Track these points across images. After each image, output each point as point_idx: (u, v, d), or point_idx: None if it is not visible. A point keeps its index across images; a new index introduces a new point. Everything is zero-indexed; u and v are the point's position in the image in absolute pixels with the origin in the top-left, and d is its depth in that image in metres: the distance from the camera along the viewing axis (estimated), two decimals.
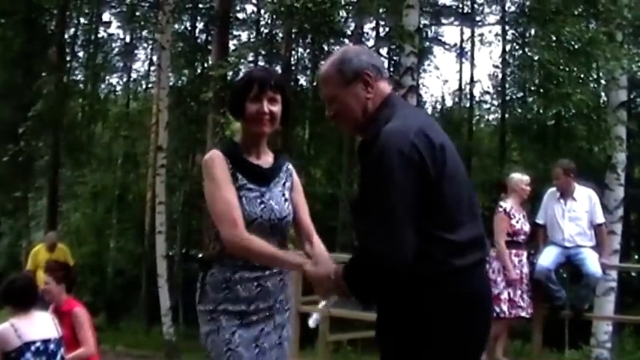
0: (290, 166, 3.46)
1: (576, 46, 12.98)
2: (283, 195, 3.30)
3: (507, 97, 24.77)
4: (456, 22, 26.42)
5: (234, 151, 3.27)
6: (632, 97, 18.98)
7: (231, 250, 3.09)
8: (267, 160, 3.33)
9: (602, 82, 13.70)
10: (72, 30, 25.31)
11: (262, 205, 3.19)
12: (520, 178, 8.16)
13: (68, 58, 24.47)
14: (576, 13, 14.24)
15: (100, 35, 27.45)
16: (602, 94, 14.35)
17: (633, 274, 20.56)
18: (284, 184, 3.35)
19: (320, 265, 2.91)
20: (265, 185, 3.25)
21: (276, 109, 3.23)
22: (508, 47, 23.98)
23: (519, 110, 22.98)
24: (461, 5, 26.10)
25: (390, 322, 2.61)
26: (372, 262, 2.46)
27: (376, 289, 2.56)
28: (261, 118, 3.19)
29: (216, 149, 3.28)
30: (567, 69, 13.38)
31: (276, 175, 3.32)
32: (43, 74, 20.96)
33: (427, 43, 24.53)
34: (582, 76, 13.70)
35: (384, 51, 22.98)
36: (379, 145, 2.49)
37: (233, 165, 3.19)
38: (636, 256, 22.71)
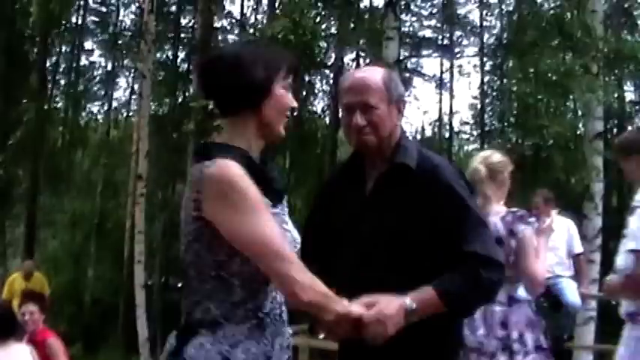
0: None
1: (553, 78, 13.17)
2: (290, 218, 2.45)
3: (486, 128, 24.99)
4: (436, 54, 26.81)
5: (252, 163, 2.28)
6: (608, 127, 19.22)
7: (300, 303, 2.22)
8: (274, 174, 2.46)
9: (579, 113, 13.90)
10: (54, 57, 25.34)
11: (287, 233, 2.34)
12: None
13: (49, 86, 24.46)
14: (553, 45, 14.49)
15: (81, 63, 27.53)
16: (580, 124, 14.54)
17: (613, 302, 20.60)
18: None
19: (382, 302, 2.43)
20: (281, 202, 2.38)
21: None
22: (486, 78, 24.26)
23: (498, 141, 23.18)
24: (440, 37, 26.49)
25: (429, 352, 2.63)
26: (499, 269, 2.58)
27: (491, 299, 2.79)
28: (287, 115, 2.36)
29: (227, 158, 2.20)
30: (544, 100, 13.57)
31: (284, 193, 2.48)
32: (24, 101, 20.91)
33: (407, 74, 24.77)
34: (559, 107, 13.89)
35: None
36: (448, 172, 2.66)
37: (257, 182, 2.22)
38: None
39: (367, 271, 2.64)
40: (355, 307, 2.34)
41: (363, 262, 2.66)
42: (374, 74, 2.76)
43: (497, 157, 4.77)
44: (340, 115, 2.90)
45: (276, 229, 2.20)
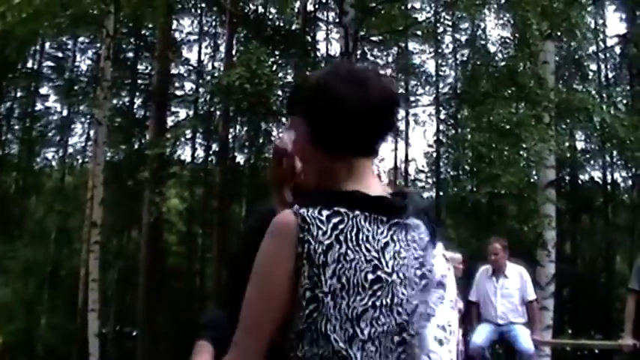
0: None
1: (506, 127, 13.40)
2: None
3: (442, 176, 25.28)
4: None
5: None
6: (560, 176, 19.58)
7: None
8: None
9: (532, 161, 14.13)
10: (8, 102, 25.11)
11: None
12: (452, 256, 8.27)
13: (4, 130, 24.20)
14: (506, 95, 14.79)
15: (36, 108, 27.25)
16: (532, 173, 14.78)
17: (567, 349, 20.80)
18: None
19: None
20: None
21: None
22: (441, 127, 24.61)
23: (454, 189, 23.44)
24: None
25: None
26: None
27: None
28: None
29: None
30: (498, 149, 13.79)
31: None
32: None
33: None
34: (512, 156, 14.12)
35: None
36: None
37: None
38: (570, 331, 23.00)
39: None
40: None
41: None
42: None
43: None
44: None
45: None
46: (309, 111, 1.86)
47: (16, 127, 26.98)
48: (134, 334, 22.43)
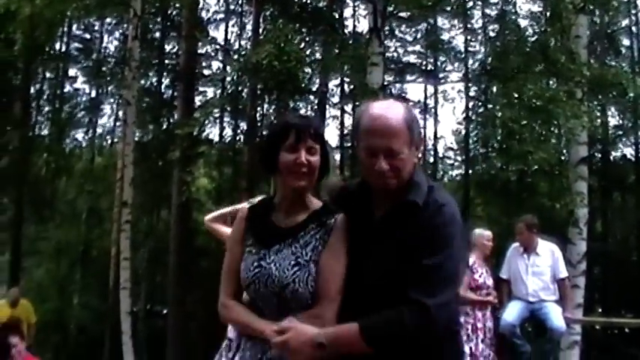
0: (335, 221, 2.81)
1: (537, 104, 13.23)
2: (297, 259, 2.73)
3: (470, 153, 25.10)
4: (420, 80, 26.90)
5: (261, 207, 2.94)
6: (592, 153, 19.34)
7: (222, 320, 2.89)
8: (296, 218, 2.83)
9: (563, 138, 13.96)
10: (37, 85, 25.30)
11: (257, 270, 2.76)
12: (481, 233, 8.25)
13: (33, 113, 24.40)
14: (537, 71, 14.58)
15: (65, 90, 27.45)
16: (564, 150, 14.61)
17: (597, 327, 20.67)
18: (305, 245, 2.76)
19: (292, 331, 2.53)
20: (271, 246, 2.79)
21: (315, 159, 2.77)
22: (471, 104, 24.41)
23: (483, 166, 23.27)
24: (424, 63, 26.60)
25: None
26: (428, 322, 2.47)
27: (409, 347, 2.54)
28: (297, 170, 2.74)
29: (249, 204, 3.11)
30: (528, 126, 13.63)
31: (291, 236, 2.79)
32: (8, 129, 20.82)
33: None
34: (543, 133, 13.96)
35: (348, 108, 23.27)
36: (448, 214, 2.61)
37: (250, 224, 2.89)
38: (600, 310, 22.86)
39: (366, 307, 2.56)
40: (270, 329, 2.60)
41: (367, 295, 2.61)
42: (397, 115, 2.68)
43: None
44: (359, 153, 2.77)
45: (228, 261, 2.86)
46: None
47: (46, 108, 27.19)
48: (164, 312, 22.65)
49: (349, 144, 23.12)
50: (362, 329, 2.47)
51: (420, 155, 2.80)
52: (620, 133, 24.70)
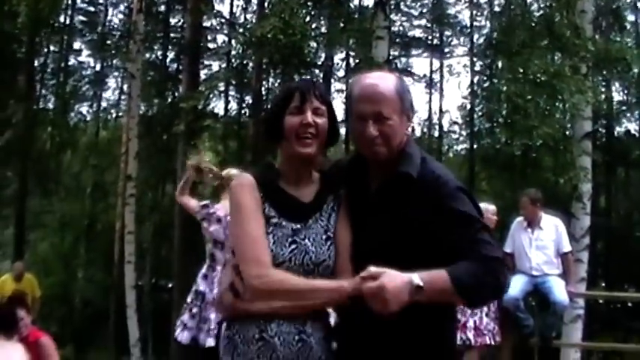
0: (341, 193, 2.75)
1: (542, 79, 13.21)
2: (326, 233, 2.64)
3: (475, 128, 25.06)
4: (425, 54, 26.85)
5: (268, 176, 2.69)
6: (596, 128, 19.33)
7: (259, 296, 2.52)
8: (309, 191, 2.70)
9: (568, 113, 13.95)
10: (42, 58, 25.25)
11: (293, 246, 2.57)
12: (486, 207, 8.24)
13: (38, 86, 24.38)
14: (542, 46, 14.54)
15: (70, 63, 27.40)
16: (568, 125, 14.61)
17: (600, 301, 20.78)
18: (329, 218, 2.68)
19: (386, 275, 2.37)
20: (302, 222, 2.63)
21: (323, 121, 2.63)
22: (476, 79, 24.34)
23: (487, 141, 23.25)
24: (430, 37, 26.54)
25: (420, 352, 2.61)
26: (501, 266, 2.53)
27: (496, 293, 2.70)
28: (304, 133, 2.58)
29: (248, 173, 2.75)
30: (533, 101, 13.62)
31: (317, 210, 2.67)
32: (12, 102, 20.82)
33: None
34: (548, 107, 13.94)
35: None
36: (450, 181, 2.62)
37: (264, 194, 2.62)
38: (603, 284, 22.95)
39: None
40: (348, 283, 2.43)
41: (360, 269, 2.47)
42: (387, 82, 2.68)
43: None
44: (351, 123, 2.72)
45: (254, 233, 2.54)
46: None
47: (51, 82, 27.15)
48: (170, 286, 22.77)
49: None
50: (454, 278, 2.42)
51: (411, 128, 2.76)
52: (624, 108, 24.65)
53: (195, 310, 6.51)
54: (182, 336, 6.41)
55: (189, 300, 6.64)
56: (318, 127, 2.60)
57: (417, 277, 2.37)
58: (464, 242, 2.50)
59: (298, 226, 2.61)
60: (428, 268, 2.41)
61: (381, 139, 2.61)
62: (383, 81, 2.69)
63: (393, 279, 2.35)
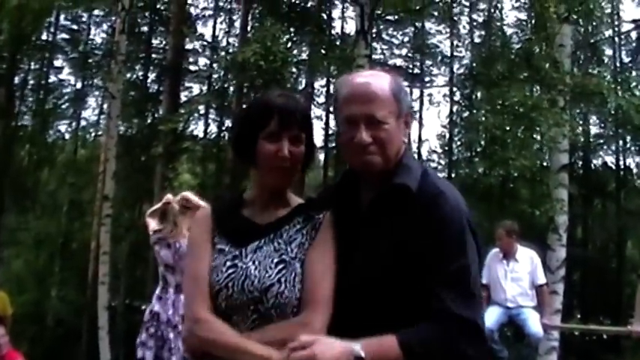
0: (322, 217, 2.37)
1: (520, 111, 13.35)
2: (281, 256, 2.29)
3: (454, 157, 25.20)
4: (406, 82, 26.95)
5: (229, 204, 2.46)
6: (573, 160, 19.49)
7: (189, 349, 2.31)
8: (275, 214, 2.39)
9: (545, 145, 14.09)
10: (22, 74, 25.13)
11: (231, 271, 2.27)
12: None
13: (17, 103, 24.23)
14: (521, 78, 14.71)
15: (50, 81, 27.26)
16: (545, 157, 14.74)
17: (576, 333, 20.84)
18: (290, 240, 2.33)
19: (319, 344, 2.04)
20: (247, 244, 2.32)
21: (299, 151, 2.32)
22: (455, 108, 24.51)
23: (466, 170, 23.38)
24: (411, 66, 26.70)
25: None
26: (471, 330, 2.14)
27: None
28: (278, 165, 2.30)
29: (210, 204, 2.56)
30: (511, 132, 13.75)
31: (273, 231, 2.34)
32: None
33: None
34: (525, 140, 14.07)
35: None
36: (450, 203, 2.23)
37: (218, 224, 2.38)
38: (579, 315, 23.04)
39: (355, 307, 2.21)
40: (277, 354, 2.09)
41: (353, 295, 2.22)
42: (381, 81, 2.32)
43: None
44: (339, 129, 2.40)
45: (195, 270, 2.32)
46: None
47: (30, 99, 26.98)
48: (143, 307, 22.56)
49: (334, 144, 23.16)
50: (403, 348, 2.09)
51: (408, 134, 2.42)
52: (602, 141, 24.92)
53: (152, 330, 6.87)
54: (146, 355, 6.74)
55: (145, 319, 7.00)
56: (293, 157, 2.31)
57: (358, 346, 2.05)
58: (437, 286, 2.14)
59: (242, 248, 2.31)
60: (423, 300, 2.13)
61: (375, 147, 2.26)
62: (376, 79, 2.33)
63: (329, 348, 2.03)
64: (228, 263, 2.28)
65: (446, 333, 2.11)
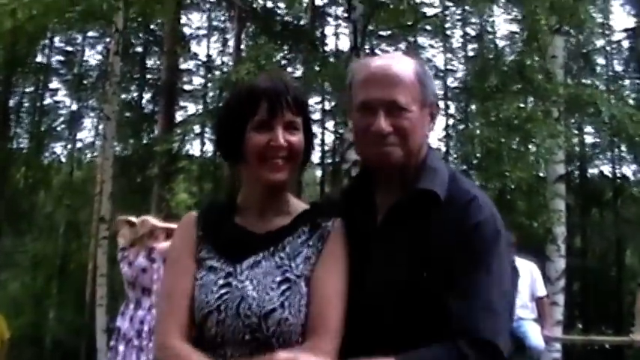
0: (331, 227, 2.00)
1: (515, 122, 13.39)
2: (284, 274, 1.93)
3: None
4: None
5: (219, 209, 2.09)
6: (569, 170, 19.50)
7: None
8: (275, 221, 2.02)
9: (541, 157, 14.13)
10: (17, 96, 25.16)
11: (224, 291, 1.91)
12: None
13: (12, 125, 24.24)
14: (514, 90, 14.75)
15: (45, 102, 27.28)
16: (542, 167, 14.77)
17: (578, 344, 20.77)
18: (294, 255, 1.96)
19: None
20: (241, 259, 1.95)
21: (297, 139, 1.97)
22: (451, 122, 24.58)
23: None
24: None
25: None
26: (486, 352, 1.86)
27: None
28: (273, 157, 1.94)
29: (198, 209, 2.18)
30: (506, 144, 13.78)
31: (273, 243, 1.98)
32: None
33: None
34: (521, 152, 14.10)
35: (329, 125, 23.34)
36: (485, 212, 1.97)
37: (205, 232, 2.01)
38: (580, 325, 23.00)
39: (372, 327, 1.93)
40: None
41: (369, 314, 1.93)
42: (404, 63, 2.01)
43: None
44: (351, 118, 2.08)
45: (171, 284, 1.98)
46: None
47: (26, 121, 27.01)
48: None
49: (330, 160, 23.18)
50: None
51: (433, 127, 2.12)
52: (597, 150, 24.97)
53: (112, 343, 7.49)
54: None
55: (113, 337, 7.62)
56: (291, 146, 1.96)
57: None
58: (455, 301, 1.87)
59: (236, 264, 1.95)
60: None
61: (396, 137, 1.96)
62: (399, 62, 2.02)
63: None
64: (221, 282, 1.92)
65: (455, 355, 1.83)
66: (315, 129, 24.20)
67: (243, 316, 1.88)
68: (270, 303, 1.88)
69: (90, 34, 24.83)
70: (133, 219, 7.99)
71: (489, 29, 22.29)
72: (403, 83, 1.96)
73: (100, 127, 24.88)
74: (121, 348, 7.07)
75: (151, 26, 23.16)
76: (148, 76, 25.04)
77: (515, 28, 20.33)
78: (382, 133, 1.93)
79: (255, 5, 18.50)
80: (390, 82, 1.96)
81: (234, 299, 1.89)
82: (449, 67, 25.34)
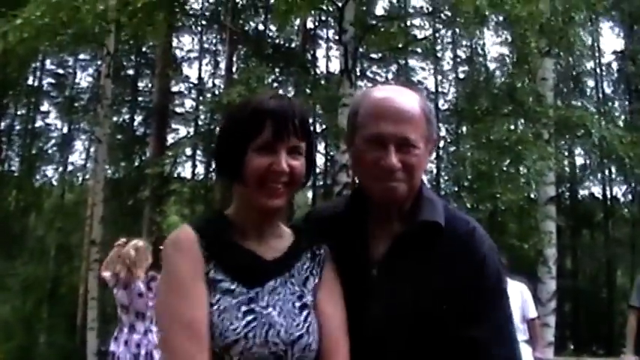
0: (323, 251, 2.00)
1: (505, 144, 13.44)
2: (301, 299, 1.90)
3: (442, 192, 25.27)
4: None
5: (218, 228, 1.93)
6: (560, 192, 19.60)
7: None
8: (275, 245, 1.96)
9: (531, 179, 14.18)
10: (8, 119, 25.15)
11: (250, 317, 1.81)
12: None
13: (4, 147, 24.21)
14: (505, 112, 14.83)
15: (37, 125, 27.28)
16: (533, 188, 14.82)
17: None
18: (304, 281, 1.93)
19: None
20: (259, 285, 1.87)
21: (299, 164, 1.90)
22: (442, 144, 24.67)
23: (454, 205, 23.39)
24: None
25: None
26: None
27: None
28: (273, 181, 1.87)
29: (190, 225, 1.94)
30: (497, 166, 13.83)
31: (284, 270, 1.92)
32: None
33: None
34: (511, 173, 14.15)
35: (320, 147, 23.37)
36: (485, 241, 2.03)
37: (210, 251, 1.86)
38: (572, 346, 22.97)
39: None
40: None
41: (374, 351, 1.93)
42: (412, 100, 2.02)
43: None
44: (356, 150, 2.04)
45: (183, 312, 1.78)
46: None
47: (17, 143, 26.99)
48: None
49: (321, 182, 23.20)
50: None
51: (430, 157, 2.14)
52: (587, 172, 25.10)
53: None
54: None
55: None
56: (293, 172, 1.88)
57: None
58: (484, 338, 1.93)
59: (255, 290, 1.85)
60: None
61: (403, 173, 1.96)
62: (407, 97, 2.01)
63: None
64: (244, 308, 1.81)
65: None
66: None
67: (271, 344, 1.79)
68: (297, 329, 1.83)
69: (81, 56, 24.94)
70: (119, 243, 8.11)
71: (480, 52, 22.48)
72: (414, 120, 1.97)
73: (92, 149, 24.95)
74: None
75: (143, 49, 23.25)
76: (140, 98, 25.10)
77: (505, 50, 20.55)
78: (393, 169, 1.94)
79: (246, 28, 18.64)
80: (402, 118, 1.96)
81: (262, 326, 1.80)
82: (439, 89, 25.55)
